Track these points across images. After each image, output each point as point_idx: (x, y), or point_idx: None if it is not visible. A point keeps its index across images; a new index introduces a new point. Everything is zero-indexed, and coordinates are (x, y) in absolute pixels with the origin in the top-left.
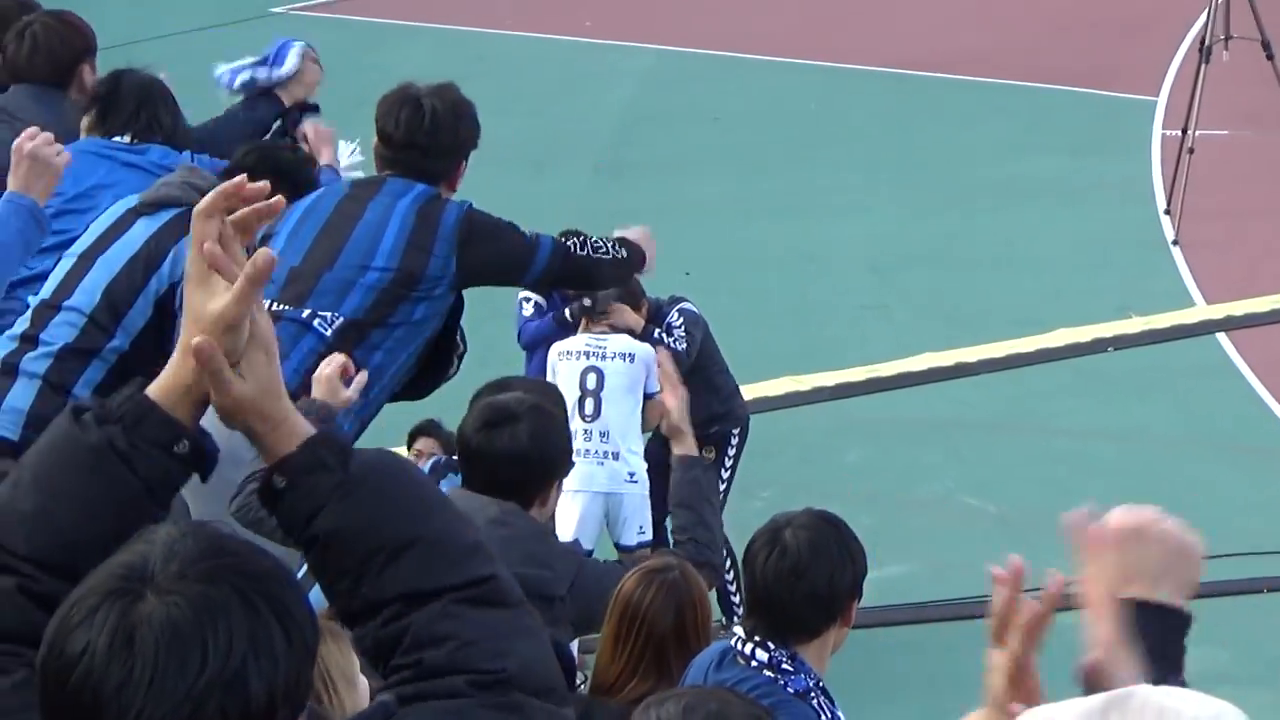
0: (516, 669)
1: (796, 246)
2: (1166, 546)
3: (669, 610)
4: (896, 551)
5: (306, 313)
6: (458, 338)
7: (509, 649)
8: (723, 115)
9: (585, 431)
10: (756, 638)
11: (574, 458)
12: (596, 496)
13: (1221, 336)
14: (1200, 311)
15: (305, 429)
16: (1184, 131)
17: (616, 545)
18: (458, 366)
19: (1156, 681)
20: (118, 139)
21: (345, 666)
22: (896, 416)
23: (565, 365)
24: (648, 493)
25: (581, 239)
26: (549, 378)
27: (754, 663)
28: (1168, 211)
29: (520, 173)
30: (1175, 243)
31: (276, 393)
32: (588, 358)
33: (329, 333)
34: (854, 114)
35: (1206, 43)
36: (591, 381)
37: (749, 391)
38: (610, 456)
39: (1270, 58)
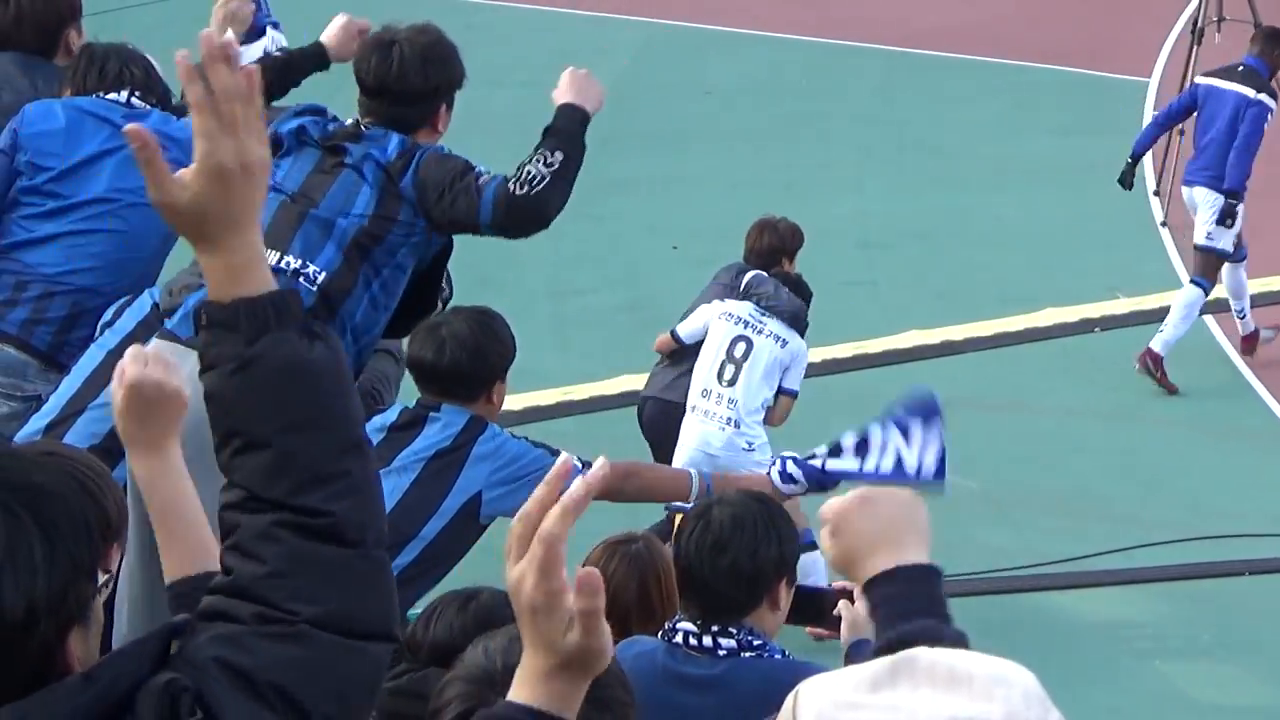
0: (316, 615)
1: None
2: (896, 505)
3: (632, 581)
4: None
5: (292, 263)
6: (444, 282)
7: (318, 593)
8: (714, 90)
9: (717, 395)
10: (714, 627)
11: (698, 417)
12: (711, 458)
13: (1208, 318)
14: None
15: (258, 283)
16: None
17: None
18: (442, 310)
19: (935, 634)
20: (113, 96)
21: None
22: (882, 393)
23: (721, 325)
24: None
25: (520, 178)
26: (704, 329)
27: (721, 652)
28: (1157, 193)
29: (513, 144)
30: (1164, 224)
31: (231, 222)
32: (745, 326)
33: (315, 286)
34: (846, 90)
35: (1199, 24)
36: (740, 350)
37: None
38: (732, 424)
39: None
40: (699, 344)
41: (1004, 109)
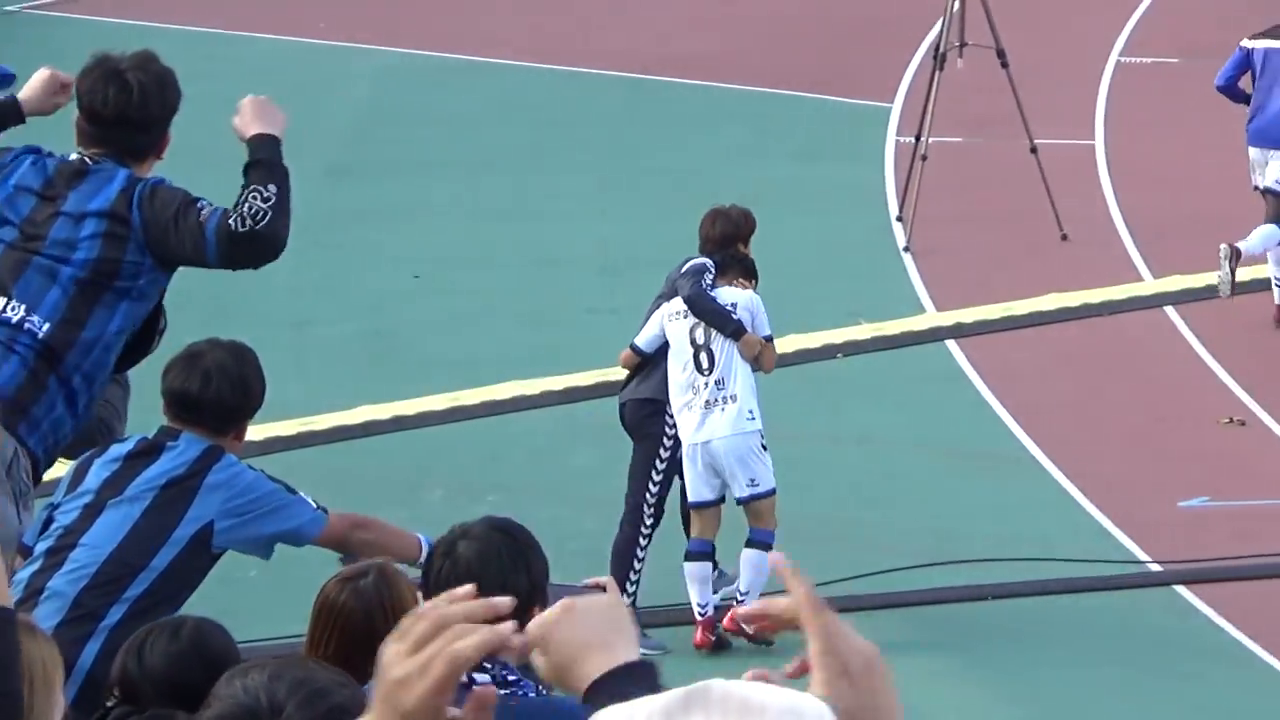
0: None
1: (527, 249)
2: (599, 610)
3: (360, 613)
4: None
5: (14, 314)
6: (160, 316)
7: None
8: (455, 118)
9: (704, 384)
10: None
11: (694, 410)
12: (716, 443)
13: (951, 343)
14: (930, 318)
15: None
16: (917, 138)
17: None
18: (158, 343)
19: None
20: None
21: (50, 670)
22: None
23: (675, 325)
24: (763, 438)
25: (241, 214)
26: (662, 338)
27: (475, 687)
28: (900, 218)
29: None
30: (907, 249)
31: None
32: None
33: (38, 338)
34: (586, 118)
35: (941, 49)
36: (701, 335)
37: (476, 395)
38: (729, 400)
39: (1005, 65)
40: (661, 349)
41: (745, 135)
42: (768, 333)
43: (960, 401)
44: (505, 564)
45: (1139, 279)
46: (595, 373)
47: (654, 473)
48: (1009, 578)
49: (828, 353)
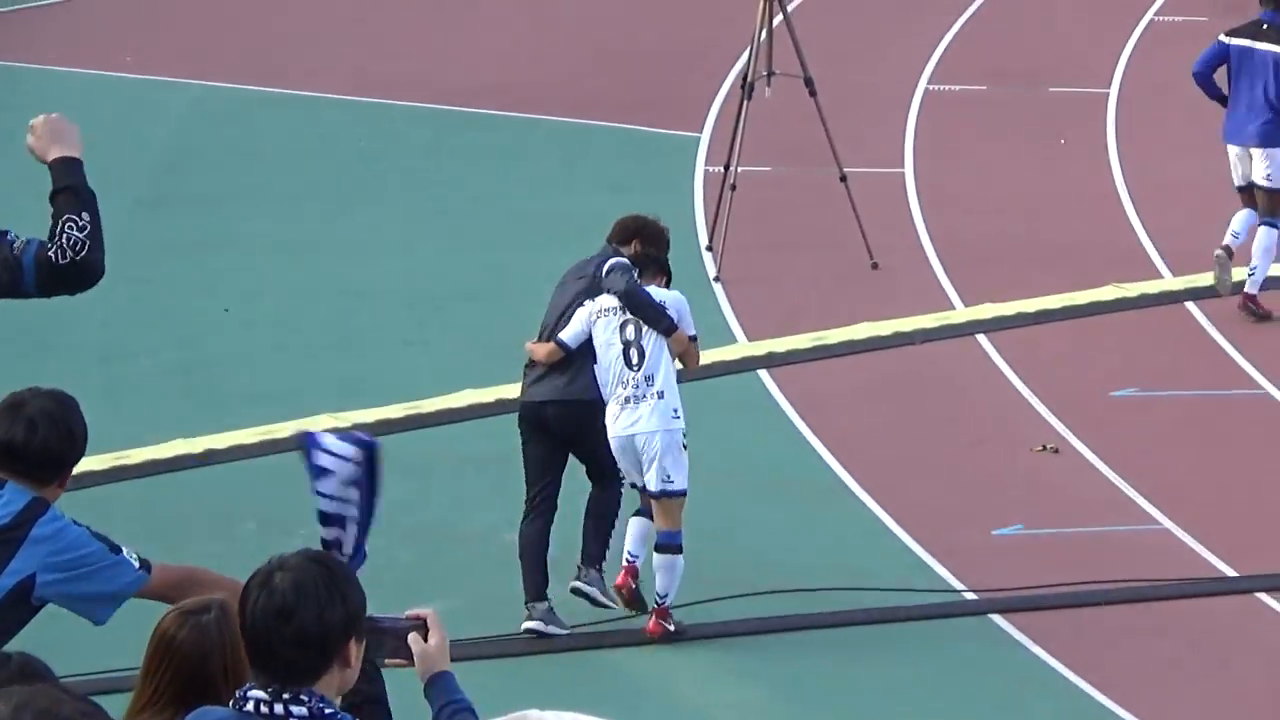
0: None
1: (337, 281)
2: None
3: (196, 649)
4: (438, 587)
5: None
6: None
7: None
8: (264, 151)
9: (633, 380)
10: (285, 695)
11: (621, 404)
12: (641, 436)
13: (763, 373)
14: (742, 348)
15: None
16: (726, 168)
17: (642, 490)
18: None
19: None
20: None
21: None
22: (438, 452)
23: (603, 321)
24: (685, 436)
25: (60, 245)
26: (586, 334)
27: None
28: (709, 248)
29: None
30: (717, 279)
31: None
32: (623, 311)
33: None
34: (396, 150)
35: (749, 79)
36: (630, 332)
37: (288, 428)
38: (657, 396)
39: (813, 94)
40: (583, 346)
41: (555, 166)
42: (693, 332)
43: (773, 431)
44: (321, 595)
45: (950, 307)
46: (406, 405)
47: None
48: (825, 607)
49: None
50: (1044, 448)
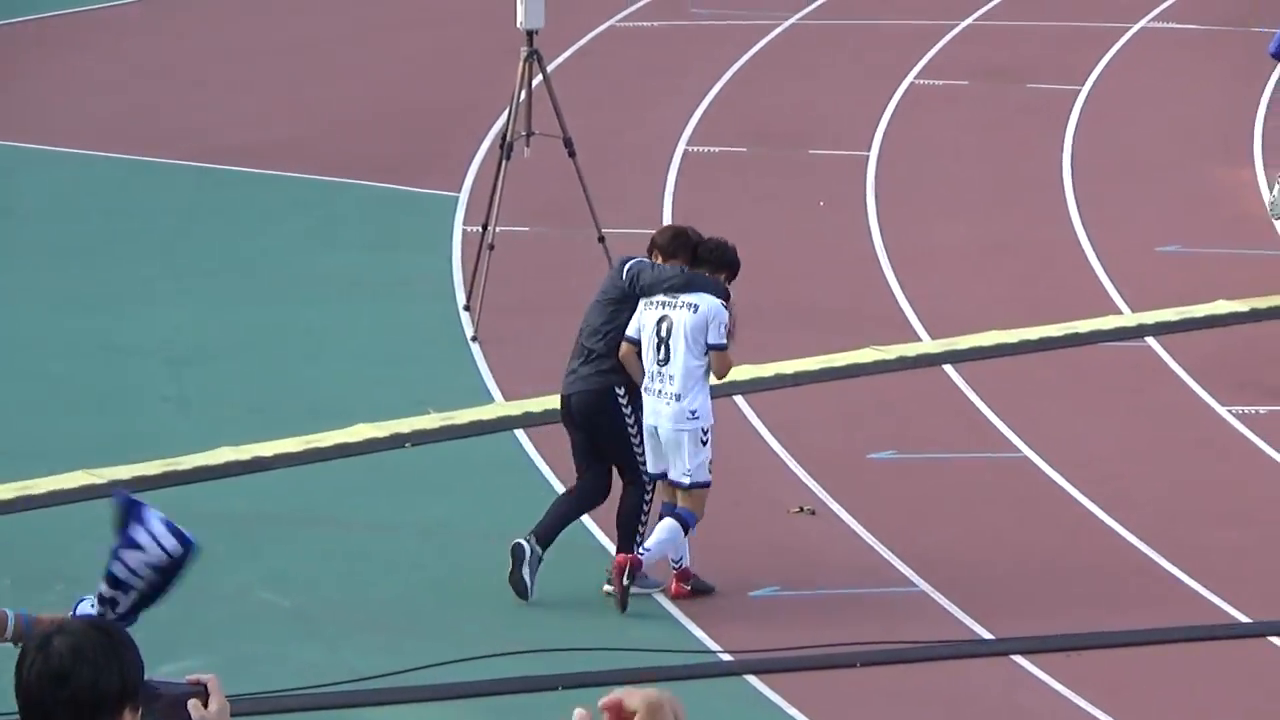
0: None
1: (96, 338)
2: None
3: None
4: (195, 645)
5: None
6: None
7: None
8: (22, 208)
9: (659, 374)
10: None
11: (647, 393)
12: (661, 429)
13: (520, 432)
14: (499, 408)
15: None
16: (484, 227)
17: (663, 478)
18: None
19: None
20: None
21: None
22: (194, 510)
23: (649, 312)
24: (706, 433)
25: None
26: (639, 322)
27: None
28: (467, 307)
29: None
30: (475, 339)
31: None
32: (663, 306)
33: None
34: (156, 207)
35: (508, 139)
36: (664, 329)
37: (45, 484)
38: (675, 398)
39: (572, 155)
40: (607, 344)
41: (314, 224)
42: (722, 342)
43: (529, 491)
44: (99, 661)
45: None
46: (163, 461)
47: (633, 441)
48: (582, 667)
49: (396, 442)
50: (801, 509)
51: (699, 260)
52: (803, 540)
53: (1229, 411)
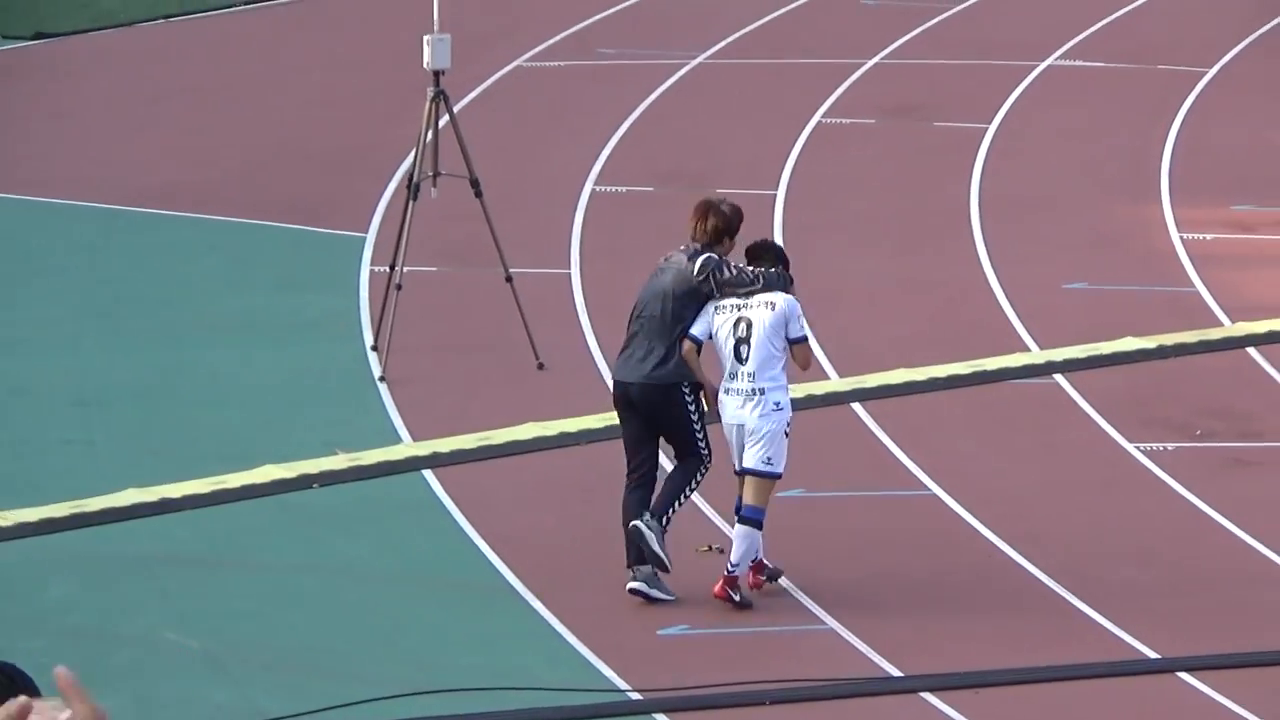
0: None
1: (1, 380)
2: None
3: None
4: (101, 688)
5: None
6: None
7: None
8: None
9: (739, 373)
10: None
11: (730, 394)
12: (746, 424)
13: (428, 473)
14: (407, 448)
15: None
16: (391, 268)
17: (739, 473)
18: None
19: None
20: None
21: None
22: (101, 552)
23: (720, 317)
24: (789, 425)
25: None
26: (710, 329)
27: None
28: (375, 348)
29: None
30: (382, 379)
31: None
32: (738, 310)
33: None
34: (62, 248)
35: (415, 179)
36: (743, 329)
37: None
38: (760, 393)
39: (479, 195)
40: (675, 339)
41: (220, 265)
42: (804, 334)
43: (438, 531)
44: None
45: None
46: (70, 504)
47: (693, 422)
48: (489, 707)
49: (304, 483)
50: (709, 548)
51: (755, 257)
52: (711, 578)
53: (1137, 448)
